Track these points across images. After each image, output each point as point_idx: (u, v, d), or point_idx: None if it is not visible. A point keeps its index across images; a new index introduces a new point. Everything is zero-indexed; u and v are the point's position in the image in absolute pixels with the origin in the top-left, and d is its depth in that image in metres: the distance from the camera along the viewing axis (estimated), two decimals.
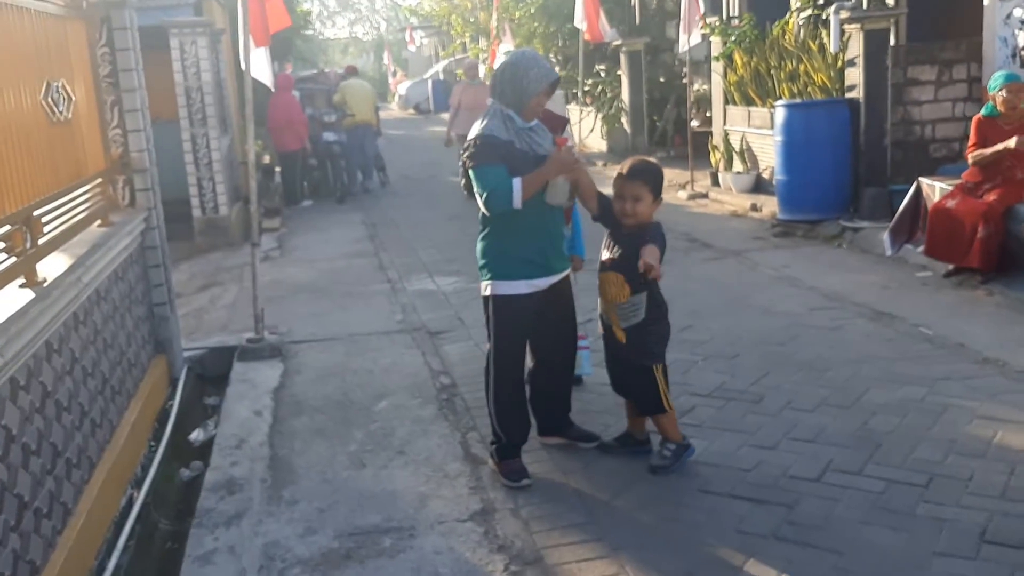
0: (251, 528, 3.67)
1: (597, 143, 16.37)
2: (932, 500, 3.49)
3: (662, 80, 15.13)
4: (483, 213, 3.85)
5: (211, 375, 5.91)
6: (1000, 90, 6.23)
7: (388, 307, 7.02)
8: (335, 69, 19.12)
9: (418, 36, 41.83)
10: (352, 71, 14.42)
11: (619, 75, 15.28)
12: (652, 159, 3.95)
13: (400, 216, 11.50)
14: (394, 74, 42.69)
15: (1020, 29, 7.76)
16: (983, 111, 6.40)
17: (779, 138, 8.65)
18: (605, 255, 3.85)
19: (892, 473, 3.73)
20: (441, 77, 32.33)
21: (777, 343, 5.46)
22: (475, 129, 3.77)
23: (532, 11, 17.03)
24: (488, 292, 3.90)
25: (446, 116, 28.02)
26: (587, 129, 16.39)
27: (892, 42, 8.26)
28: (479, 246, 3.93)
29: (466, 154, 3.77)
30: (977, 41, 8.30)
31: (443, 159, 17.22)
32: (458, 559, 3.35)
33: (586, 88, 16.40)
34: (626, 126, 15.01)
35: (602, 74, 16.37)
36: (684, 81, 15.33)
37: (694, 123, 13.99)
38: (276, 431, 4.65)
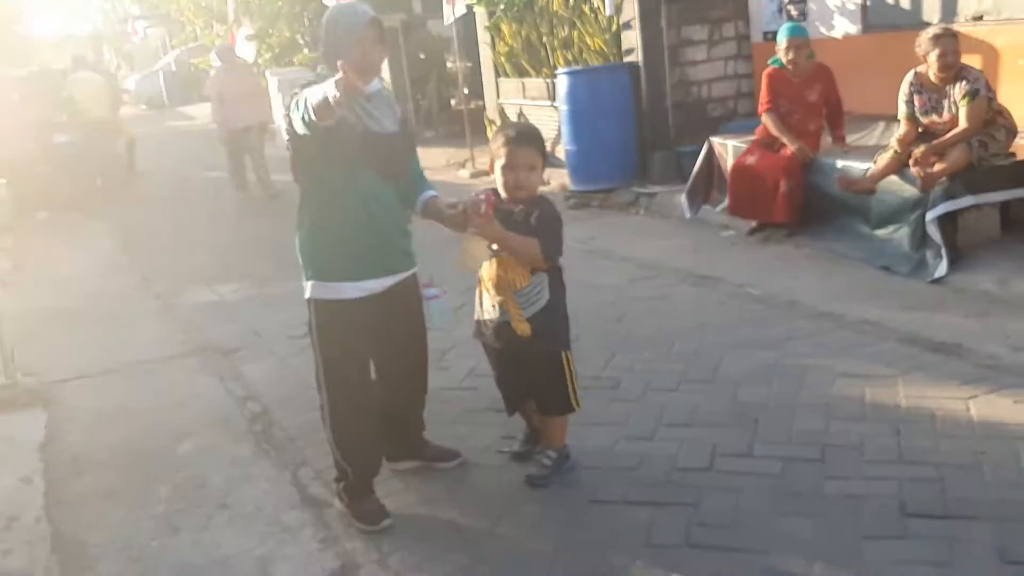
0: None
1: None
2: (834, 475, 3.23)
3: (422, 57, 14.64)
4: (300, 200, 3.21)
5: None
6: (783, 45, 6.21)
7: (164, 327, 6.07)
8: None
9: (141, 27, 38.78)
10: (81, 62, 12.75)
11: None
12: (530, 123, 3.46)
13: (155, 221, 10.30)
14: (118, 68, 39.46)
15: None
16: (772, 62, 6.37)
17: (564, 108, 8.39)
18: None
19: (782, 450, 3.45)
20: (174, 68, 30.06)
21: (612, 319, 5.14)
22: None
23: None
24: (308, 295, 3.24)
25: (185, 110, 26.28)
26: None
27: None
28: (297, 238, 3.26)
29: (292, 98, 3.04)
30: None
31: (192, 154, 15.89)
32: None
33: None
34: None
35: None
36: (443, 58, 15.01)
37: (454, 101, 13.59)
38: (54, 500, 3.73)
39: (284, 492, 3.59)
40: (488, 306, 3.31)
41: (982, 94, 5.30)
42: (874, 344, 4.42)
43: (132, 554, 3.26)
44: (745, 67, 8.63)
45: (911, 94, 5.58)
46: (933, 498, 3.01)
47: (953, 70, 5.35)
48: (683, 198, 7.36)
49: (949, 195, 5.27)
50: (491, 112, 10.87)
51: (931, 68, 5.40)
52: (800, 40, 6.18)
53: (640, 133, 8.38)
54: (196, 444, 4.12)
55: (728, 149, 6.98)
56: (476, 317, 3.42)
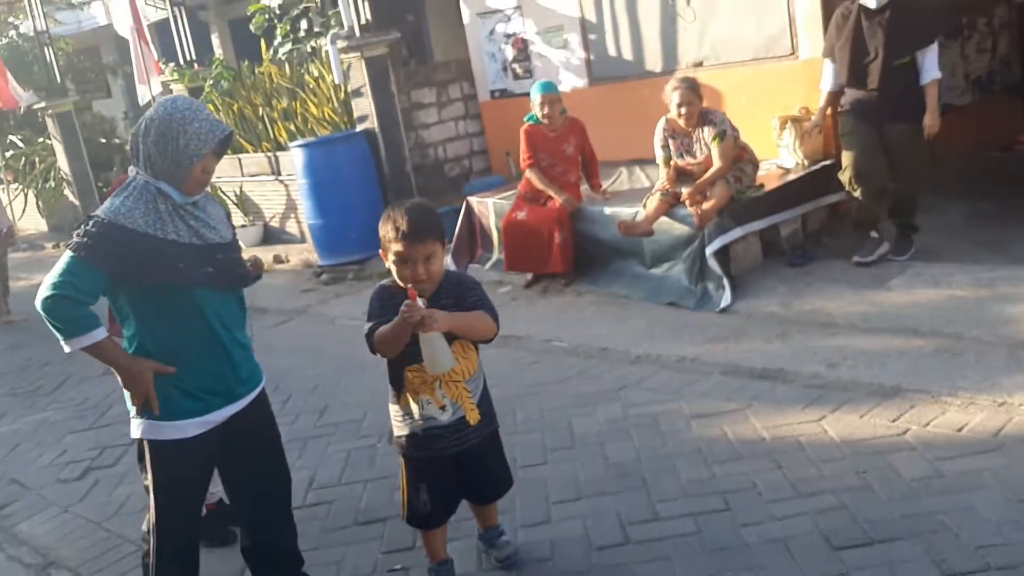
0: None
1: (36, 223, 14.09)
2: (748, 521, 3.24)
3: (103, 141, 13.44)
4: (125, 327, 2.76)
5: None
6: (537, 101, 6.34)
7: None
8: None
9: None
10: None
11: (48, 143, 13.25)
12: (422, 201, 3.09)
13: None
14: None
15: (506, 44, 8.15)
16: (528, 118, 6.47)
17: (303, 181, 8.01)
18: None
19: (685, 506, 3.41)
20: None
21: None
22: (103, 206, 2.63)
23: None
24: (139, 434, 2.76)
25: None
26: (19, 210, 13.93)
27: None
28: None
29: (76, 232, 2.60)
30: (466, 59, 8.57)
31: None
32: None
33: (5, 163, 14.02)
34: (72, 197, 13.05)
35: (21, 144, 14.10)
36: (118, 141, 13.88)
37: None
38: None
39: None
40: (434, 410, 2.94)
41: (729, 134, 5.74)
42: (702, 380, 4.56)
43: None
44: (475, 126, 8.78)
45: (665, 139, 5.91)
46: (849, 526, 3.10)
47: (695, 117, 5.74)
48: (448, 259, 7.27)
49: (722, 229, 5.63)
50: None
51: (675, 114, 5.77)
52: (553, 96, 6.33)
53: (385, 199, 8.19)
54: None
55: (488, 207, 7.01)
56: (404, 432, 3.00)
